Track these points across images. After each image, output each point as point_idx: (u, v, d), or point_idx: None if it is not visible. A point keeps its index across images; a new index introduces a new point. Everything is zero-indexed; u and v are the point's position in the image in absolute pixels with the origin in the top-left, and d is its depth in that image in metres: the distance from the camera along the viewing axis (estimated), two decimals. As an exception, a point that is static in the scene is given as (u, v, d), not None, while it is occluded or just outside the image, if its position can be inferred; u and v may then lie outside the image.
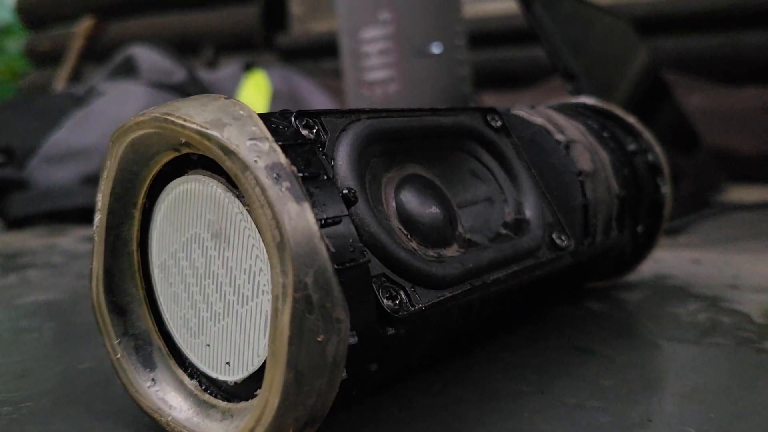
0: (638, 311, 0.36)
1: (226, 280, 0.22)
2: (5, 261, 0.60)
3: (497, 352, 0.30)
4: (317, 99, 1.15)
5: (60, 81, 1.64)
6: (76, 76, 1.68)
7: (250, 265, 0.21)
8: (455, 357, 0.30)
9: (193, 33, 1.65)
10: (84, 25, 1.73)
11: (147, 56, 1.07)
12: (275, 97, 1.10)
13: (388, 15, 0.80)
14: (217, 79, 1.12)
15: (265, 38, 1.57)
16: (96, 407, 0.26)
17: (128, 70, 1.06)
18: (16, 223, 0.82)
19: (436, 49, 0.79)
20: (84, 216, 0.79)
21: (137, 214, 0.24)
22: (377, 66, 0.82)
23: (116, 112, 0.91)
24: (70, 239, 0.70)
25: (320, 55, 1.41)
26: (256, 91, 1.11)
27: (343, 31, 0.84)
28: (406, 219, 0.24)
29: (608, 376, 0.27)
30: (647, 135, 0.38)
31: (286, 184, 0.18)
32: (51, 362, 0.31)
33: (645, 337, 0.32)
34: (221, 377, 0.22)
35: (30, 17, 2.00)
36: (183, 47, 1.44)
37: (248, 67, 1.15)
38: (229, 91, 1.10)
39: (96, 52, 1.68)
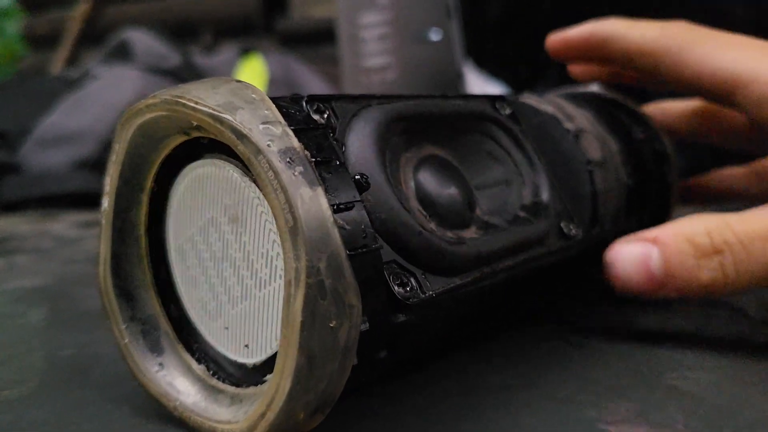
0: (632, 303, 0.36)
1: (243, 264, 0.22)
2: (-6, 245, 0.60)
3: (487, 344, 0.30)
4: (314, 85, 1.14)
5: (57, 64, 1.64)
6: (73, 60, 1.67)
7: (267, 250, 0.21)
8: (462, 346, 0.30)
9: (192, 17, 1.64)
10: (82, 9, 1.73)
11: (142, 40, 1.07)
12: (272, 82, 1.10)
13: (386, 0, 0.80)
14: (213, 64, 1.12)
15: (265, 22, 1.56)
16: (75, 395, 0.26)
17: (123, 54, 1.05)
18: (8, 207, 0.82)
19: (434, 35, 0.78)
20: (76, 201, 0.79)
21: (145, 199, 0.24)
22: (375, 52, 0.81)
23: (110, 96, 0.91)
24: (62, 225, 0.69)
25: (320, 40, 1.40)
26: (252, 76, 1.10)
27: (342, 16, 0.83)
28: (425, 199, 0.24)
29: (598, 370, 0.27)
30: (654, 123, 0.38)
31: (299, 168, 0.18)
32: (33, 349, 0.31)
33: (637, 330, 0.32)
34: (240, 359, 0.23)
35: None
36: (181, 32, 1.44)
37: (245, 52, 1.14)
38: (225, 77, 1.09)
39: (94, 36, 1.68)
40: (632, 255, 0.28)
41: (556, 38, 0.37)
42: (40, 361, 0.29)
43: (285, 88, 1.10)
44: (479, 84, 0.72)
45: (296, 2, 1.56)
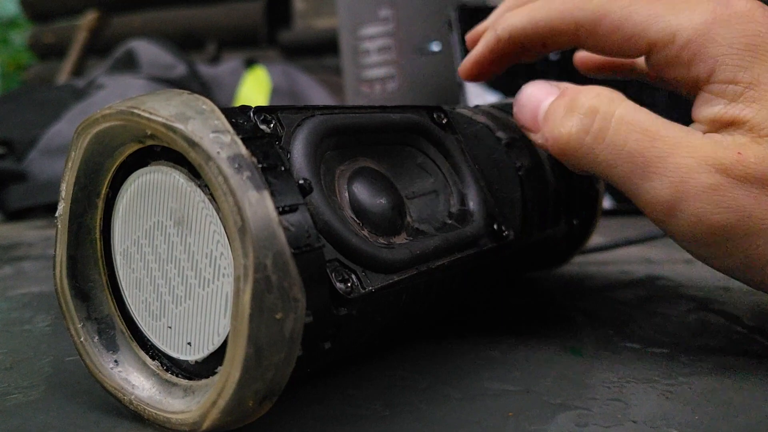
0: (629, 312, 0.37)
1: (188, 264, 0.23)
2: (1, 252, 0.60)
3: (485, 350, 0.31)
4: (317, 95, 1.16)
5: (64, 74, 1.63)
6: (79, 69, 1.66)
7: (212, 250, 0.22)
8: (409, 342, 0.31)
9: (196, 28, 1.66)
10: (88, 19, 1.73)
11: (147, 50, 1.08)
12: (275, 92, 1.11)
13: (388, 12, 0.81)
14: (218, 74, 1.13)
15: (268, 34, 1.58)
16: (81, 399, 0.26)
17: (128, 63, 1.07)
18: (15, 215, 0.83)
19: (435, 47, 0.80)
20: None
21: (100, 203, 0.25)
22: (377, 63, 0.83)
23: (116, 105, 0.92)
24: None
25: (323, 51, 1.43)
26: (256, 86, 1.12)
27: (344, 28, 0.84)
28: (358, 209, 0.26)
29: (595, 376, 0.28)
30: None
31: (246, 173, 0.20)
32: (40, 354, 0.32)
33: (634, 338, 0.33)
34: (182, 357, 0.24)
35: (35, 10, 2.01)
36: (186, 42, 1.46)
37: (249, 64, 1.16)
38: (229, 86, 1.11)
39: (100, 46, 1.68)
40: (533, 95, 0.30)
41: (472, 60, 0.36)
42: (46, 367, 0.30)
43: (288, 98, 1.12)
44: (478, 94, 0.74)
45: (299, 14, 1.58)
